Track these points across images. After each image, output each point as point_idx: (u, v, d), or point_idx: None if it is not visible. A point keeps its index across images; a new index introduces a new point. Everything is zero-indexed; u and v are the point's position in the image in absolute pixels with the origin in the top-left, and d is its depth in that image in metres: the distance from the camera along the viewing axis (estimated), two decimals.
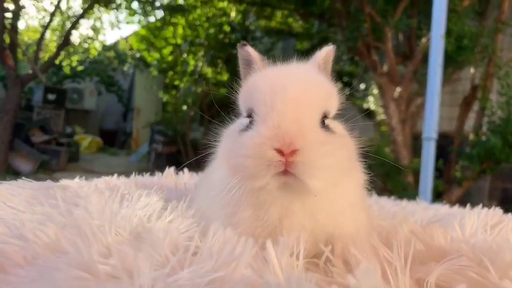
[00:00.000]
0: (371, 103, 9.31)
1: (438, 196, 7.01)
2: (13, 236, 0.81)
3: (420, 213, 1.44)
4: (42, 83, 12.10)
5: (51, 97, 12.69)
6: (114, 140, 16.74)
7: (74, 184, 1.48)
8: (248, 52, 1.10)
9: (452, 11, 6.82)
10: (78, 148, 12.70)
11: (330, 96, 1.05)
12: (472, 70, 8.05)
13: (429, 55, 5.07)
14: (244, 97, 1.06)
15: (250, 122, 0.98)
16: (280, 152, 0.88)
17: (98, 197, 1.10)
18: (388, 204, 1.63)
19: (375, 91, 8.85)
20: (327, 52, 1.17)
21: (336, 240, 0.97)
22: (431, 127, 4.77)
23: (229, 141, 1.02)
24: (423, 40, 7.30)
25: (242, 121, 1.03)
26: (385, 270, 0.76)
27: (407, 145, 7.90)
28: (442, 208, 1.64)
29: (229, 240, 0.79)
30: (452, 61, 7.29)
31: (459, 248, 0.85)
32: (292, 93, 0.93)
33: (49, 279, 0.62)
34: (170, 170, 1.91)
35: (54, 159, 10.72)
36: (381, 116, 8.86)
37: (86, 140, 14.57)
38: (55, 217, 0.92)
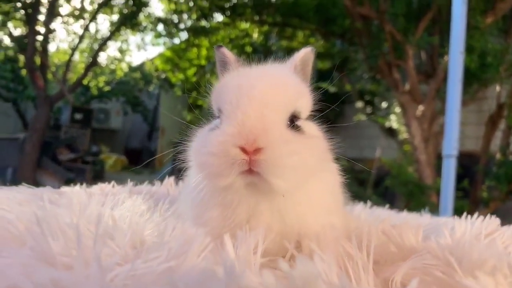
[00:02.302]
0: (393, 121, 9.18)
1: None
2: None
3: (412, 222, 1.40)
4: (70, 103, 12.47)
5: (78, 116, 13.06)
6: (139, 159, 17.01)
7: (70, 190, 1.51)
8: (224, 53, 1.12)
9: (474, 28, 6.74)
10: (103, 166, 12.97)
11: (300, 96, 1.02)
12: (497, 88, 7.88)
13: (448, 70, 4.98)
14: (214, 97, 1.06)
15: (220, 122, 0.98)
16: (244, 150, 0.87)
17: (82, 198, 1.12)
18: (384, 213, 1.59)
19: (397, 109, 8.74)
20: (305, 53, 1.15)
21: (303, 240, 0.95)
22: (451, 144, 4.65)
23: (198, 140, 1.03)
24: (446, 58, 7.21)
25: (215, 121, 1.03)
26: (346, 265, 0.74)
27: (430, 164, 7.73)
28: (441, 220, 1.59)
29: (186, 233, 0.79)
30: (476, 79, 7.16)
31: (428, 248, 0.82)
32: (258, 92, 0.93)
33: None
34: (170, 180, 1.92)
35: (80, 176, 10.95)
36: (403, 135, 8.74)
37: (111, 159, 14.86)
38: (33, 216, 0.94)
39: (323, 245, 0.85)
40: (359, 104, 9.70)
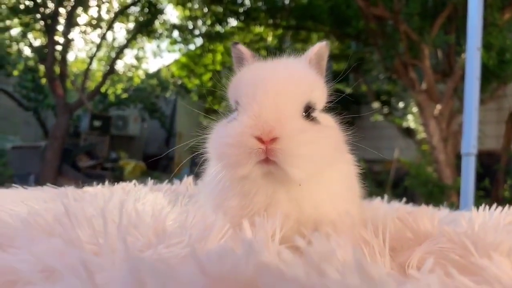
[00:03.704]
0: (410, 121, 9.09)
1: None
2: (17, 221, 0.87)
3: (429, 214, 1.39)
4: (89, 111, 12.68)
5: (97, 123, 13.28)
6: (157, 164, 17.15)
7: (93, 189, 1.56)
8: (240, 50, 1.16)
9: (492, 24, 6.65)
10: (122, 172, 13.14)
11: (314, 87, 1.05)
12: None
13: (466, 68, 4.93)
14: (231, 91, 1.09)
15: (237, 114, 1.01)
16: (260, 140, 0.90)
17: (106, 194, 1.16)
18: (402, 206, 1.60)
19: (415, 109, 8.66)
20: (319, 47, 1.17)
21: (320, 227, 0.96)
22: (470, 142, 4.58)
23: (216, 132, 1.06)
24: (463, 56, 7.12)
25: (233, 114, 1.06)
26: (363, 250, 0.75)
27: (450, 164, 7.62)
28: (460, 212, 1.58)
29: (206, 219, 0.82)
30: (495, 76, 7.05)
31: (443, 232, 0.83)
32: (272, 84, 0.96)
33: (35, 252, 0.67)
34: (189, 179, 1.96)
35: (99, 183, 11.10)
36: (421, 135, 8.64)
37: (130, 165, 15.01)
38: (59, 209, 0.98)
39: (340, 231, 0.87)
40: (376, 104, 9.64)
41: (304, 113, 1.00)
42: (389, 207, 1.50)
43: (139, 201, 1.07)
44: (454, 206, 6.90)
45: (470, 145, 4.75)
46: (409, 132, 9.13)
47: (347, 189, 1.09)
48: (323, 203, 1.02)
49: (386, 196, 1.75)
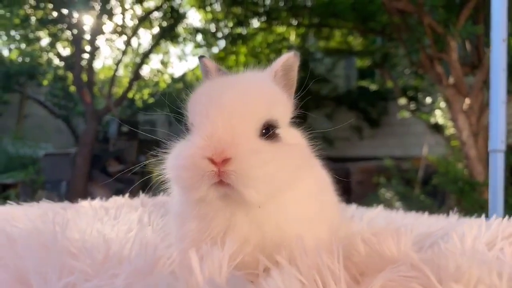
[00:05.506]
0: (438, 117, 8.80)
1: None
2: None
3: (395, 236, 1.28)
4: (116, 116, 12.92)
5: (125, 129, 13.49)
6: None
7: (79, 205, 1.55)
8: (205, 63, 1.11)
9: None
10: (151, 176, 13.32)
11: (275, 103, 0.99)
12: None
13: (491, 60, 4.71)
14: (188, 109, 1.05)
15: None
16: (212, 161, 0.85)
17: (80, 214, 1.14)
18: (398, 216, 1.49)
19: (443, 104, 8.37)
20: (287, 58, 1.09)
21: (281, 251, 0.90)
22: (497, 138, 4.36)
23: (172, 153, 1.02)
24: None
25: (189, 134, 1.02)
26: (316, 278, 0.69)
27: (481, 159, 7.33)
28: (459, 222, 1.47)
29: (150, 248, 0.77)
30: None
31: (408, 257, 0.76)
32: (226, 102, 0.91)
33: None
34: None
35: (128, 187, 11.28)
36: (450, 131, 8.35)
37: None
38: (24, 232, 0.97)
39: (295, 257, 0.81)
40: (403, 100, 9.38)
41: (263, 131, 0.94)
42: (385, 220, 1.41)
43: (108, 222, 1.04)
44: (487, 203, 6.62)
45: (497, 141, 4.53)
46: (437, 128, 8.84)
47: (313, 209, 1.01)
48: (285, 225, 0.96)
49: (399, 207, 1.65)
